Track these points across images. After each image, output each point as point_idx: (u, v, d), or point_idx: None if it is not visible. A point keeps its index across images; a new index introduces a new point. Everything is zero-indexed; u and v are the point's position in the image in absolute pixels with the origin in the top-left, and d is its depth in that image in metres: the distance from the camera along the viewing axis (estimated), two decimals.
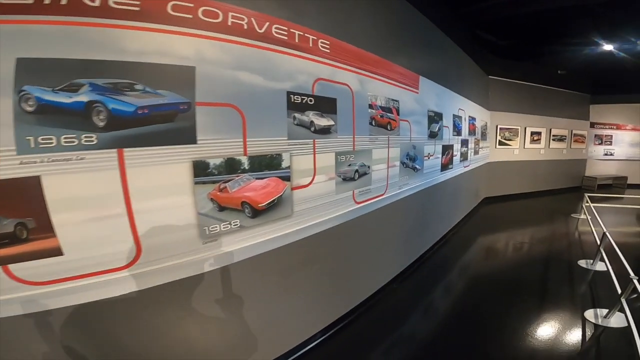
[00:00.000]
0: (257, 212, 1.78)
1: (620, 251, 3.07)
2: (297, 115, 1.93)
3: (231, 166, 1.66)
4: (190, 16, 1.44)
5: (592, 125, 9.67)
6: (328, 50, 2.12)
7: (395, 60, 2.89)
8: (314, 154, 2.06)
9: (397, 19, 2.96)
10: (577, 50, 6.51)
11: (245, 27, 1.65)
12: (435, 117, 3.85)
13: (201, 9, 1.48)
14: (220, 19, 1.55)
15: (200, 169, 1.54)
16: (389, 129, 2.77)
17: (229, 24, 1.59)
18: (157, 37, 1.35)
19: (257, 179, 1.77)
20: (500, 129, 7.67)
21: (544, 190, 8.56)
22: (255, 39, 1.69)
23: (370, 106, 2.53)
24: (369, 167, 2.56)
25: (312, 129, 2.02)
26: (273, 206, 1.86)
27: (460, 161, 5.20)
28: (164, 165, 1.42)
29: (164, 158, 1.42)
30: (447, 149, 4.39)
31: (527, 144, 8.17)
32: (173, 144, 1.44)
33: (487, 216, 6.39)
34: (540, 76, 7.97)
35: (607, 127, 9.78)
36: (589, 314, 2.71)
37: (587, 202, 5.99)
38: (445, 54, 4.35)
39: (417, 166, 3.43)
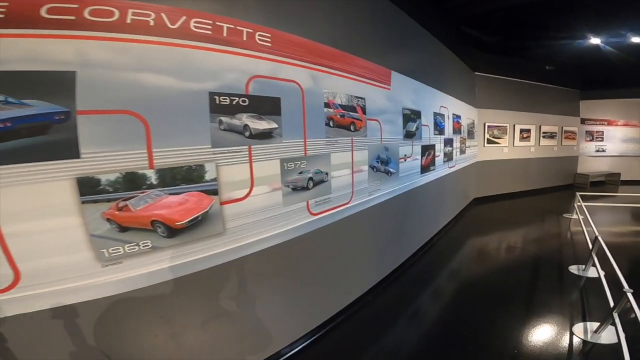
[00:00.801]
0: (174, 232, 1.51)
1: (614, 254, 2.81)
2: (224, 119, 1.63)
3: (132, 182, 1.37)
4: (73, 17, 1.21)
5: (583, 121, 9.47)
6: (269, 44, 1.83)
7: (360, 54, 2.60)
8: (250, 163, 1.77)
9: (362, 10, 2.67)
10: (564, 45, 6.31)
11: (152, 23, 1.39)
12: (412, 116, 3.57)
13: (88, 9, 1.24)
14: (115, 17, 1.30)
15: (89, 187, 1.27)
16: (352, 129, 2.47)
17: (128, 21, 1.34)
18: (25, 43, 1.14)
19: (170, 194, 1.47)
20: (489, 126, 7.42)
21: (535, 189, 8.33)
22: (165, 36, 1.43)
23: (327, 105, 2.24)
24: (326, 173, 2.26)
25: (247, 133, 1.72)
26: (197, 224, 1.58)
27: (444, 162, 4.92)
28: (37, 184, 1.19)
29: (36, 176, 1.19)
30: (427, 150, 4.11)
31: (517, 142, 7.93)
32: (47, 159, 1.20)
33: (476, 218, 6.13)
34: (528, 72, 7.75)
35: (598, 123, 9.59)
36: (578, 328, 2.48)
37: (579, 201, 5.74)
38: (423, 48, 4.07)
39: (391, 169, 3.14)
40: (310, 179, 2.10)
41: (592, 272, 3.40)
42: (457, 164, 5.64)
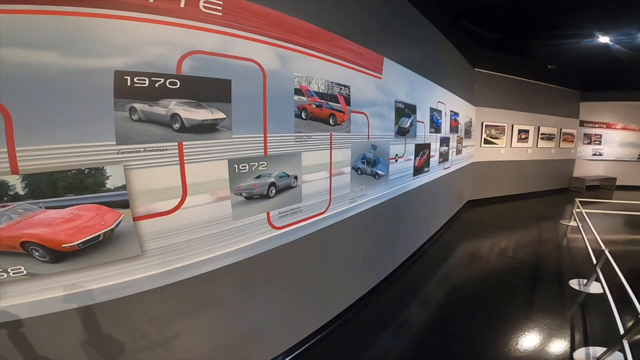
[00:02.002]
0: (61, 255, 1.08)
1: (616, 265, 2.53)
2: (140, 106, 1.17)
3: None
4: None
5: (582, 123, 9.16)
6: (219, 13, 1.37)
7: (347, 34, 2.14)
8: (182, 164, 1.31)
9: None
10: (568, 44, 5.96)
11: None
12: (405, 110, 3.13)
13: None
14: None
15: None
16: (332, 123, 2.02)
17: None
18: None
19: (49, 208, 1.02)
20: (486, 126, 7.03)
21: (530, 192, 8.02)
22: (52, 4, 0.98)
23: (299, 92, 1.78)
24: (295, 177, 1.81)
25: (177, 125, 1.26)
26: (98, 245, 1.14)
27: (439, 162, 4.52)
28: None
29: None
30: (422, 149, 3.69)
31: (514, 143, 7.57)
32: None
33: (469, 223, 5.76)
34: (530, 70, 7.37)
35: (596, 126, 9.31)
36: (580, 354, 2.17)
37: (578, 207, 5.43)
38: (421, 36, 3.62)
39: (380, 171, 2.72)
40: (272, 184, 1.66)
41: (594, 288, 3.11)
42: (453, 164, 5.25)
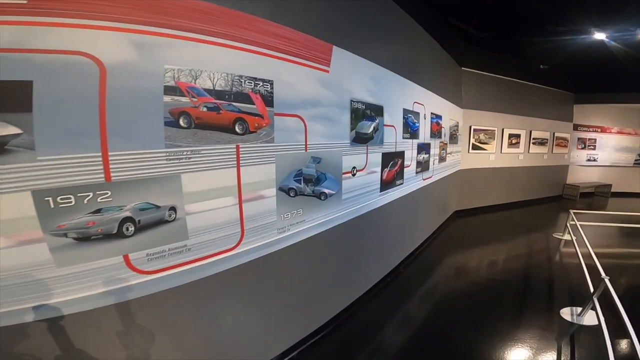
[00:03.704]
0: None
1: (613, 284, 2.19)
2: None
3: None
4: None
5: (575, 127, 8.74)
6: (23, 1, 0.91)
7: (272, 16, 1.67)
8: None
9: None
10: (562, 41, 5.52)
11: None
12: (367, 112, 2.65)
13: None
14: None
15: None
16: (239, 131, 1.52)
17: None
18: None
19: None
20: (475, 130, 6.58)
21: (522, 201, 7.56)
22: None
23: (176, 90, 1.29)
24: (172, 209, 1.32)
25: None
26: None
27: (417, 173, 4.04)
28: None
29: None
30: (392, 158, 3.21)
31: (505, 148, 7.13)
32: None
33: (454, 237, 5.28)
34: (521, 71, 6.93)
35: (591, 129, 8.90)
36: None
37: (573, 219, 4.97)
38: (393, 27, 3.13)
39: (327, 190, 2.22)
40: (128, 219, 1.16)
41: (589, 319, 2.65)
42: (435, 174, 4.77)
